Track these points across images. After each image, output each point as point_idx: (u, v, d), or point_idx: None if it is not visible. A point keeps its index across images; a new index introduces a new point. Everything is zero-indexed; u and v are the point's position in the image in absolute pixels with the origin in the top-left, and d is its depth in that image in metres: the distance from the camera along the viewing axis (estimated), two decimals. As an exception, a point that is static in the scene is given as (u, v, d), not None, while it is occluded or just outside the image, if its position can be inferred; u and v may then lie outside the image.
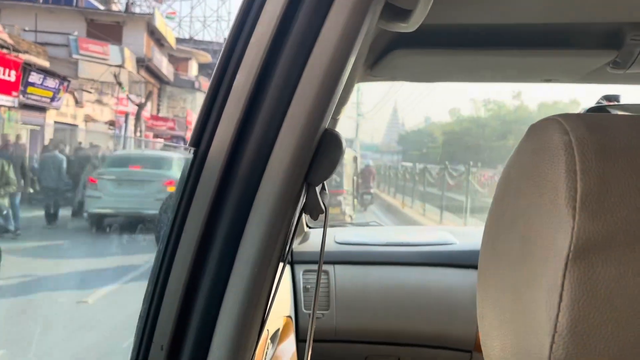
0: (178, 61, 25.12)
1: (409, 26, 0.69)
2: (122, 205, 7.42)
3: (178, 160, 7.84)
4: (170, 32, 22.06)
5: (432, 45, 1.09)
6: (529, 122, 0.42)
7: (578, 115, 0.38)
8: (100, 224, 7.59)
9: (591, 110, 1.13)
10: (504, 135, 26.79)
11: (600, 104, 1.11)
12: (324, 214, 0.66)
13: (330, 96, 0.57)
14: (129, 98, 15.30)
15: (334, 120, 1.54)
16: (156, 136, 18.96)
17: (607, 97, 1.12)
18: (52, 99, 11.79)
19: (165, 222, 0.67)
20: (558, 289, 0.34)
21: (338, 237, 1.92)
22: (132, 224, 7.35)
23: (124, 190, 7.59)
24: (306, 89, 0.57)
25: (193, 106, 25.57)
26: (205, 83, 26.02)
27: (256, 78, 0.58)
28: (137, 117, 14.72)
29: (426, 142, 36.13)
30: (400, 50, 1.10)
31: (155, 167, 8.05)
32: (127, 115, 14.33)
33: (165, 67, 21.43)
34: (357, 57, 0.81)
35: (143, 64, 18.91)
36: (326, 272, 1.76)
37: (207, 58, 26.95)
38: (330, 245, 1.87)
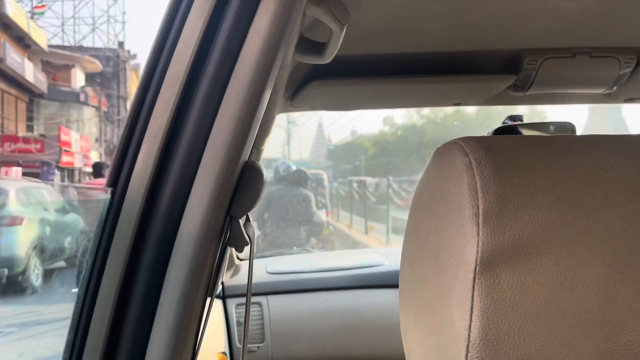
0: (56, 69, 20.12)
1: (324, 58, 0.74)
2: None
3: None
4: (36, 28, 17.07)
5: (347, 75, 1.14)
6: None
7: (476, 138, 0.42)
8: None
9: (499, 129, 1.13)
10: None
11: (506, 124, 1.14)
12: (249, 246, 0.66)
13: (247, 131, 0.58)
14: None
15: (258, 151, 1.49)
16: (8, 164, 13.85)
17: (512, 118, 1.14)
18: None
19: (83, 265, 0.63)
20: (469, 300, 0.37)
21: (270, 268, 1.95)
22: None
23: None
24: (223, 124, 0.57)
25: (81, 125, 20.47)
26: (94, 96, 21.07)
27: (173, 114, 0.58)
28: None
29: (358, 154, 33.16)
30: (318, 81, 1.14)
31: None
32: None
33: (32, 73, 16.33)
34: (276, 90, 0.98)
35: (-10, 66, 13.82)
36: (259, 304, 1.75)
37: (96, 66, 22.18)
38: (262, 277, 1.88)
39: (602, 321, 0.37)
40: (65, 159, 16.45)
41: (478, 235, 0.37)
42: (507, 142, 0.42)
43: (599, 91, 1.20)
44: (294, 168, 5.49)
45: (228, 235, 0.62)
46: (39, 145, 15.47)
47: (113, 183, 0.61)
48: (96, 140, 21.34)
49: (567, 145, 0.41)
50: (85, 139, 19.76)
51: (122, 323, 0.58)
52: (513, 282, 0.37)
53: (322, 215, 5.41)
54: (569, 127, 1.11)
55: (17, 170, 13.39)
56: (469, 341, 0.37)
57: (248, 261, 1.81)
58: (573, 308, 0.37)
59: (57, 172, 16.23)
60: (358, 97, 1.30)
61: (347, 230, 11.58)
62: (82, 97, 20.42)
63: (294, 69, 1.07)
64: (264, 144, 1.52)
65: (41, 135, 17.07)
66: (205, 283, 0.60)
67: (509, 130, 1.09)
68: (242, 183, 0.61)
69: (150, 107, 0.59)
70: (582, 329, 0.37)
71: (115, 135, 24.07)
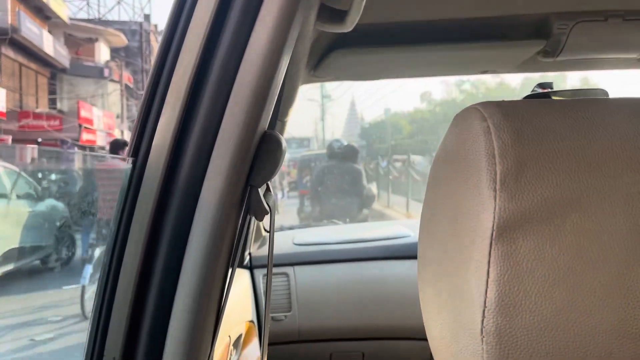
0: (79, 43, 19.23)
1: (346, 26, 0.72)
2: None
3: None
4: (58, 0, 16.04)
5: (370, 44, 1.12)
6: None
7: (495, 102, 0.41)
8: None
9: (528, 97, 1.01)
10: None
11: (535, 92, 0.97)
12: (270, 216, 0.68)
13: (264, 99, 0.58)
14: None
15: (282, 122, 1.51)
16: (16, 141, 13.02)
17: (542, 85, 0.95)
18: None
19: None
20: (485, 265, 0.37)
21: (297, 239, 1.97)
22: None
23: None
24: (240, 93, 0.58)
25: (105, 101, 19.65)
26: (119, 71, 20.17)
27: (190, 84, 0.59)
28: None
29: (392, 133, 31.81)
30: (341, 50, 1.12)
31: None
32: None
33: (51, 46, 15.45)
34: (298, 60, 0.98)
35: (5, 36, 12.90)
36: (286, 275, 1.78)
37: (121, 40, 21.32)
38: (289, 247, 1.90)
39: (622, 287, 0.36)
40: (85, 136, 15.61)
41: (495, 200, 0.37)
42: (526, 106, 0.41)
43: (633, 56, 1.17)
44: (345, 144, 5.69)
45: (247, 203, 0.63)
46: (57, 122, 14.64)
47: (134, 153, 0.62)
48: (118, 116, 20.50)
49: (588, 108, 0.40)
50: (109, 116, 18.95)
51: (147, 287, 0.60)
52: (530, 248, 0.37)
53: (373, 188, 5.53)
54: (601, 94, 0.94)
55: (33, 148, 12.53)
56: (485, 307, 0.37)
57: (276, 233, 1.65)
58: (592, 274, 0.37)
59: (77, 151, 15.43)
60: (382, 66, 1.29)
61: (406, 220, 10.15)
62: (106, 73, 19.60)
63: (316, 38, 1.06)
64: (288, 115, 1.50)
65: (59, 111, 16.25)
66: (226, 251, 0.61)
67: (538, 97, 0.94)
68: (261, 152, 0.61)
69: (168, 78, 0.60)
70: (601, 295, 0.37)
71: (140, 111, 23.20)
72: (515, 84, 24.39)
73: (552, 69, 1.35)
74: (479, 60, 1.24)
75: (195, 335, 0.58)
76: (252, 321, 1.52)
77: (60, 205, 5.56)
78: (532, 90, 1.06)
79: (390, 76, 1.46)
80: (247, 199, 0.62)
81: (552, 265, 0.36)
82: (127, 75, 21.89)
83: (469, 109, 0.42)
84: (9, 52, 14.10)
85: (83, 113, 15.62)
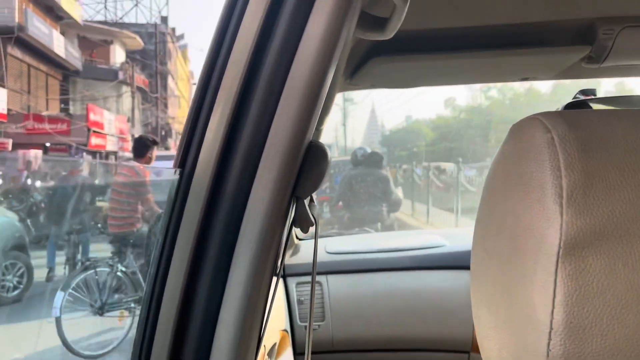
0: (94, 45, 18.66)
1: (386, 34, 0.71)
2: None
3: None
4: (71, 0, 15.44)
5: (409, 51, 1.11)
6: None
7: (558, 112, 0.40)
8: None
9: (570, 105, 1.00)
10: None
11: (577, 99, 0.99)
12: (314, 226, 0.67)
13: (312, 110, 0.58)
14: None
15: (318, 131, 1.50)
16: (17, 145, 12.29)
17: (584, 92, 1.00)
18: None
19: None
20: (551, 285, 0.35)
21: (329, 247, 1.93)
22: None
23: None
24: (287, 104, 0.58)
25: (120, 105, 19.00)
26: (136, 75, 19.52)
27: (237, 95, 0.59)
28: None
29: (414, 140, 30.90)
30: (379, 58, 1.12)
31: None
32: None
33: (62, 47, 14.82)
34: (336, 68, 0.87)
35: (10, 35, 12.25)
36: (319, 283, 1.76)
37: (137, 42, 20.74)
38: (321, 256, 1.88)
39: None
40: (94, 141, 14.88)
41: (561, 216, 0.35)
42: (592, 116, 0.39)
43: None
44: (369, 151, 5.85)
45: (293, 215, 0.62)
46: (64, 126, 13.93)
47: (181, 164, 0.63)
48: (128, 120, 19.76)
49: None
50: (122, 120, 18.25)
51: (193, 300, 0.60)
52: (601, 267, 0.34)
53: (399, 192, 5.84)
54: None
55: (35, 154, 11.74)
56: (551, 329, 0.35)
57: (307, 240, 1.95)
58: None
59: (88, 157, 14.70)
60: (421, 73, 1.26)
61: (440, 230, 8.81)
62: (121, 75, 18.99)
63: (354, 46, 1.04)
64: (324, 123, 1.50)
65: (67, 114, 15.55)
66: (272, 262, 0.61)
67: (580, 105, 0.94)
68: (307, 163, 0.61)
69: (215, 90, 0.60)
70: None
71: (156, 116, 22.54)
72: (545, 90, 23.20)
73: (596, 76, 1.32)
74: (520, 66, 1.21)
75: (240, 346, 0.59)
76: (285, 330, 1.50)
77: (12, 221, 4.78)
78: (574, 97, 0.98)
79: (429, 84, 1.42)
80: (293, 211, 0.61)
81: (625, 286, 0.34)
82: (142, 79, 21.26)
83: (528, 120, 0.39)
84: (16, 52, 13.48)
85: (92, 117, 14.93)
